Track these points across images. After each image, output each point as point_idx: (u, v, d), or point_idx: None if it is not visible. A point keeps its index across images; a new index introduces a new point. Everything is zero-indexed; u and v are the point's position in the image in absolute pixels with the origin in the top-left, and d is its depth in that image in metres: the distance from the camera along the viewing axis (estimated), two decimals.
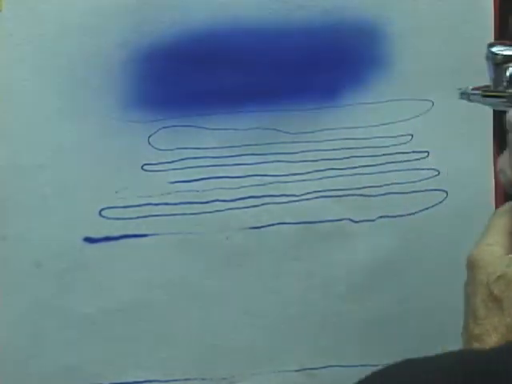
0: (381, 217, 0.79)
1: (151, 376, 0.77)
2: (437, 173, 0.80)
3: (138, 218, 0.75)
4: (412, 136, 0.79)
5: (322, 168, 0.77)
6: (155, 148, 0.74)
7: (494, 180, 0.79)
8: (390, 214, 0.80)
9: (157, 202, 0.75)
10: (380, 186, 0.79)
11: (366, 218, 0.79)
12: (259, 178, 0.77)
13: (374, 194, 0.79)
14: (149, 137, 0.74)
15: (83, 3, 0.71)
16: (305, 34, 0.75)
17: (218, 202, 0.76)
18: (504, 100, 0.57)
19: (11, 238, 0.73)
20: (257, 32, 0.74)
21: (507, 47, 0.56)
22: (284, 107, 0.76)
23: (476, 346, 0.49)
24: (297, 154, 0.77)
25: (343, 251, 0.79)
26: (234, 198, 0.76)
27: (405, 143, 0.79)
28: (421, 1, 0.77)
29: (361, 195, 0.79)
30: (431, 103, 0.78)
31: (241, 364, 0.79)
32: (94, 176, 0.73)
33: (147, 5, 0.72)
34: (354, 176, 0.78)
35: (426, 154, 0.80)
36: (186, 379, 0.78)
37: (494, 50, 0.55)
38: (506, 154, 0.56)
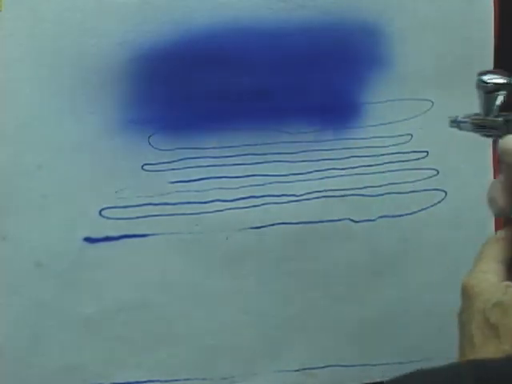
0: (381, 217, 0.79)
1: (151, 376, 0.77)
2: (436, 172, 0.80)
3: (137, 218, 0.75)
4: (412, 136, 0.79)
5: (321, 168, 0.78)
6: (155, 148, 0.74)
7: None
8: (389, 214, 0.80)
9: (157, 202, 0.75)
10: (380, 186, 0.79)
11: (366, 218, 0.79)
12: (259, 177, 0.77)
13: (374, 194, 0.79)
14: (149, 137, 0.74)
15: (83, 3, 0.71)
16: (305, 33, 0.75)
17: (218, 202, 0.76)
18: (494, 129, 0.57)
19: (11, 238, 0.73)
20: (257, 32, 0.74)
21: (497, 76, 0.56)
22: (284, 107, 0.76)
23: None
24: (297, 154, 0.77)
25: (343, 251, 0.79)
26: (234, 198, 0.76)
27: (404, 143, 0.79)
28: (421, 1, 0.77)
29: (361, 195, 0.79)
30: (431, 103, 0.79)
31: (241, 364, 0.79)
32: (94, 176, 0.73)
33: (147, 5, 0.72)
34: (354, 176, 0.78)
35: (426, 153, 0.80)
36: (186, 379, 0.78)
37: (485, 78, 0.56)
38: (496, 182, 0.56)
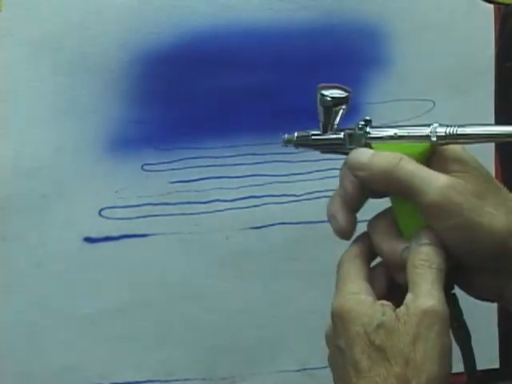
0: None
1: (151, 376, 0.77)
2: None
3: (137, 218, 0.75)
4: None
5: (321, 168, 0.77)
6: (155, 148, 0.74)
7: None
8: None
9: (157, 202, 0.75)
10: None
11: (366, 218, 0.79)
12: (259, 177, 0.77)
13: None
14: (149, 137, 0.74)
15: (83, 3, 0.71)
16: (305, 34, 0.75)
17: (217, 202, 0.76)
18: (335, 143, 0.55)
19: (11, 238, 0.73)
20: (257, 33, 0.74)
21: (337, 91, 0.54)
22: (284, 107, 0.76)
23: None
24: (297, 154, 0.77)
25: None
26: (234, 198, 0.76)
27: None
28: (421, 1, 0.77)
29: None
30: (431, 103, 0.78)
31: (241, 364, 0.79)
32: (93, 176, 0.73)
33: (148, 5, 0.72)
34: None
35: None
36: (186, 379, 0.78)
37: (325, 93, 0.53)
38: (335, 198, 0.54)
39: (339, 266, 0.54)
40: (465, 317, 0.52)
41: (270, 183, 0.77)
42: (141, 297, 0.76)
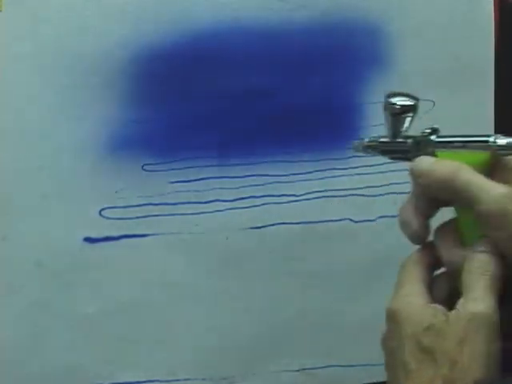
0: (381, 217, 0.79)
1: (151, 376, 0.77)
2: None
3: (137, 218, 0.75)
4: None
5: (322, 168, 0.78)
6: (155, 148, 0.74)
7: None
8: (389, 214, 0.79)
9: (157, 202, 0.75)
10: (380, 186, 0.79)
11: (366, 218, 0.79)
12: (259, 178, 0.77)
13: (374, 194, 0.79)
14: (149, 137, 0.74)
15: (83, 3, 0.71)
16: (305, 33, 0.75)
17: (217, 202, 0.76)
18: (403, 150, 0.56)
19: (11, 238, 0.73)
20: (257, 32, 0.74)
21: (405, 98, 0.55)
22: (284, 107, 0.76)
23: None
24: (297, 154, 0.77)
25: (343, 251, 0.79)
26: (234, 198, 0.76)
27: None
28: (421, 1, 0.77)
29: (361, 195, 0.79)
30: (432, 103, 0.79)
31: (241, 364, 0.79)
32: (94, 176, 0.73)
33: (147, 5, 0.72)
34: (354, 176, 0.78)
35: None
36: (186, 379, 0.78)
37: (392, 100, 0.55)
38: (408, 205, 0.55)
39: (400, 269, 0.55)
40: None
41: (270, 183, 0.77)
42: (141, 297, 0.76)
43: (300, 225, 0.78)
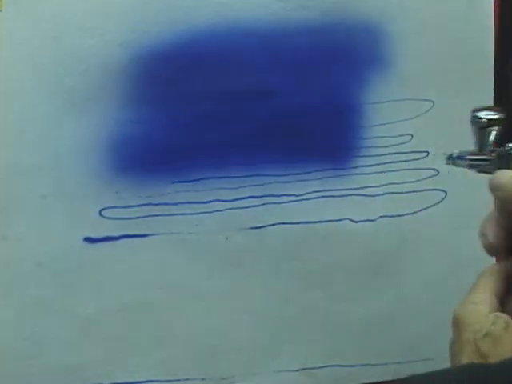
0: (381, 217, 0.79)
1: (151, 376, 0.77)
2: (436, 173, 0.80)
3: (137, 218, 0.75)
4: (412, 136, 0.79)
5: (321, 168, 0.78)
6: (155, 148, 0.74)
7: None
8: (389, 214, 0.80)
9: (157, 202, 0.75)
10: (380, 186, 0.79)
11: (366, 218, 0.79)
12: (259, 177, 0.77)
13: (374, 194, 0.79)
14: (149, 137, 0.74)
15: (83, 3, 0.71)
16: (305, 34, 0.75)
17: (217, 202, 0.76)
18: (488, 164, 0.57)
19: (11, 238, 0.73)
20: (256, 32, 0.74)
21: (491, 112, 0.56)
22: (284, 107, 0.76)
23: None
24: (297, 154, 0.77)
25: (343, 251, 0.79)
26: (234, 198, 0.76)
27: (404, 143, 0.79)
28: (421, 1, 0.77)
29: (361, 195, 0.79)
30: (431, 103, 0.79)
31: (241, 364, 0.79)
32: (94, 176, 0.73)
33: (147, 5, 0.72)
34: (354, 176, 0.78)
35: (426, 153, 0.80)
36: (186, 379, 0.78)
37: (479, 114, 0.56)
38: (489, 217, 0.55)
39: (478, 277, 0.55)
40: None
41: (270, 183, 0.77)
42: (141, 297, 0.76)
43: (300, 225, 0.78)
